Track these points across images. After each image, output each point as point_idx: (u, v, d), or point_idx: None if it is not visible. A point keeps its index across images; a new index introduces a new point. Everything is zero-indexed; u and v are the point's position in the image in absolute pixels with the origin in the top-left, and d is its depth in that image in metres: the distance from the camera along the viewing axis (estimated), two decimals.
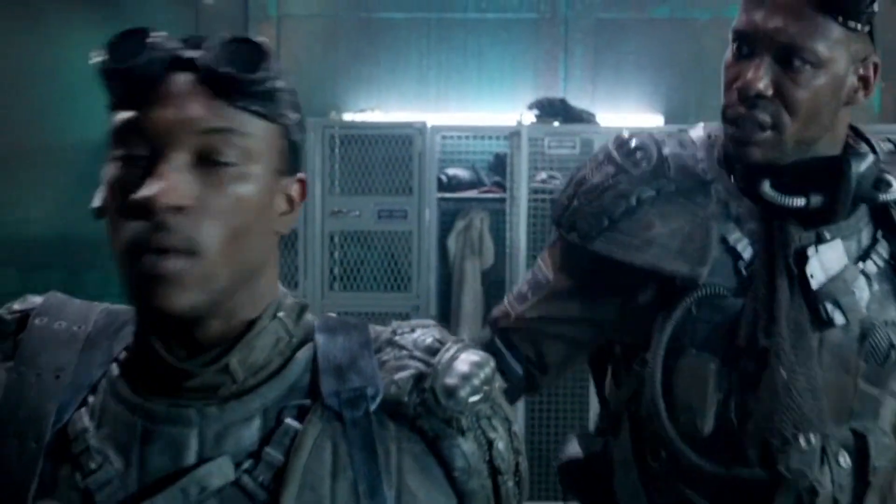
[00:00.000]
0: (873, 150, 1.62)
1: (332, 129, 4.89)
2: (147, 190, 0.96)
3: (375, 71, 5.71)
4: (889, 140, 1.71)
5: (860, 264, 1.63)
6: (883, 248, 1.65)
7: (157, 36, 1.02)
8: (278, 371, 1.09)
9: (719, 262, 1.60)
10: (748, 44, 1.53)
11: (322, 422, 1.06)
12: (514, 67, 6.02)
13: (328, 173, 4.82)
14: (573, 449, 1.84)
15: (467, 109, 5.96)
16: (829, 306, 1.58)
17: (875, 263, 1.63)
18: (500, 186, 5.13)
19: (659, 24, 6.15)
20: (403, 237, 4.85)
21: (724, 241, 1.61)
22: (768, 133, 1.53)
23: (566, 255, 1.70)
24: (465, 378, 1.09)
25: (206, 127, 0.99)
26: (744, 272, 1.60)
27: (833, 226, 1.60)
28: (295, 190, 1.10)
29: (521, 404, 4.51)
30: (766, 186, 1.57)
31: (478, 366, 1.10)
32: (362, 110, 5.95)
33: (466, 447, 1.10)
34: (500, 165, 5.21)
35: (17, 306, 1.16)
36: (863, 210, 1.64)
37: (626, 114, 6.07)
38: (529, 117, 5.23)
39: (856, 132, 1.66)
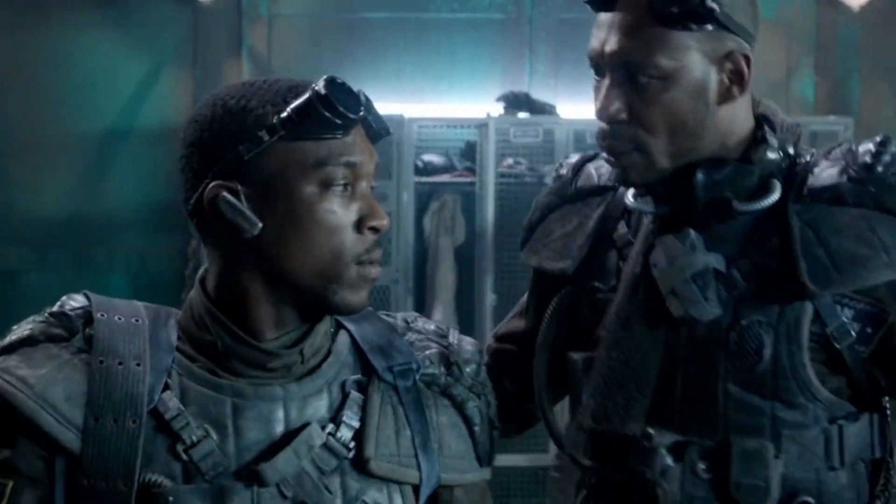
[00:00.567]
0: (783, 149, 1.47)
1: None
2: (383, 218, 1.19)
3: (357, 66, 5.69)
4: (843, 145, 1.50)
5: (738, 262, 1.46)
6: (768, 247, 1.45)
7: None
8: (328, 353, 1.25)
9: (607, 261, 1.55)
10: (597, 68, 1.45)
11: (380, 391, 1.24)
12: (483, 63, 6.02)
13: None
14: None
15: (441, 102, 5.95)
16: (672, 298, 1.44)
17: (754, 262, 1.45)
18: (471, 171, 5.29)
19: None
20: None
21: (612, 240, 1.56)
22: (635, 156, 1.44)
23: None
24: (474, 355, 1.32)
25: None
26: (622, 268, 1.53)
27: (715, 230, 1.46)
28: None
29: None
30: (629, 194, 1.52)
31: (477, 346, 1.34)
32: None
33: (481, 407, 1.32)
34: (470, 152, 5.34)
35: (73, 304, 1.21)
36: (758, 213, 1.46)
37: (586, 106, 6.01)
38: (497, 109, 5.36)
39: (779, 128, 1.49)
